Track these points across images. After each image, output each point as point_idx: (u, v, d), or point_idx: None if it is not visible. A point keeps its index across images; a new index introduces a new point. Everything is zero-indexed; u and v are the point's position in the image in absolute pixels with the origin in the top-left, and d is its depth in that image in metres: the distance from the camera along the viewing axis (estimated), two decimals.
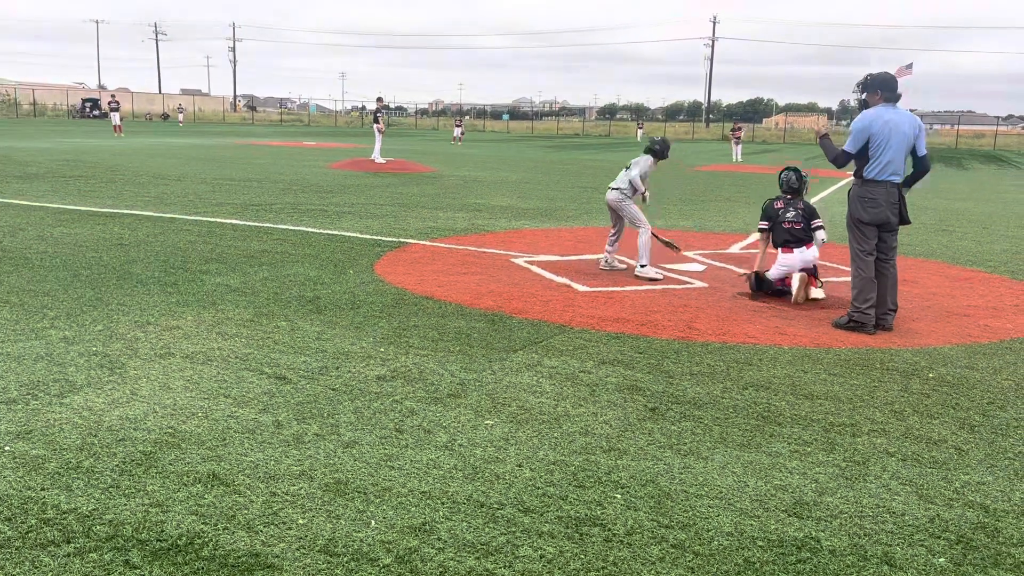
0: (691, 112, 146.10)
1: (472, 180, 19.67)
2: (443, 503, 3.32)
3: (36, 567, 2.78)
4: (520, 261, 8.77)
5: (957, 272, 9.18)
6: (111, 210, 11.85)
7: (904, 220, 6.40)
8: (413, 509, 3.26)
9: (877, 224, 6.30)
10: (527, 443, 3.95)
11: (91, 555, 2.86)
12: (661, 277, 8.09)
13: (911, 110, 6.57)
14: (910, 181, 6.51)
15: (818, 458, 3.91)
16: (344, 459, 3.69)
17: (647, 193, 8.41)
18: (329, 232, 10.35)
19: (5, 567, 2.77)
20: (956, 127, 79.69)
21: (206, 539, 2.98)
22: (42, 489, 3.31)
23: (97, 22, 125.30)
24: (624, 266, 8.54)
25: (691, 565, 2.95)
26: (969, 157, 47.20)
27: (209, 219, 11.16)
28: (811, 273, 7.34)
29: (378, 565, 2.87)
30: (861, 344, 5.97)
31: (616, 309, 6.73)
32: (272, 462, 3.63)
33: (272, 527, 3.08)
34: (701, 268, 8.79)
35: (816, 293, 7.31)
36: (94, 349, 5.16)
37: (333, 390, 4.57)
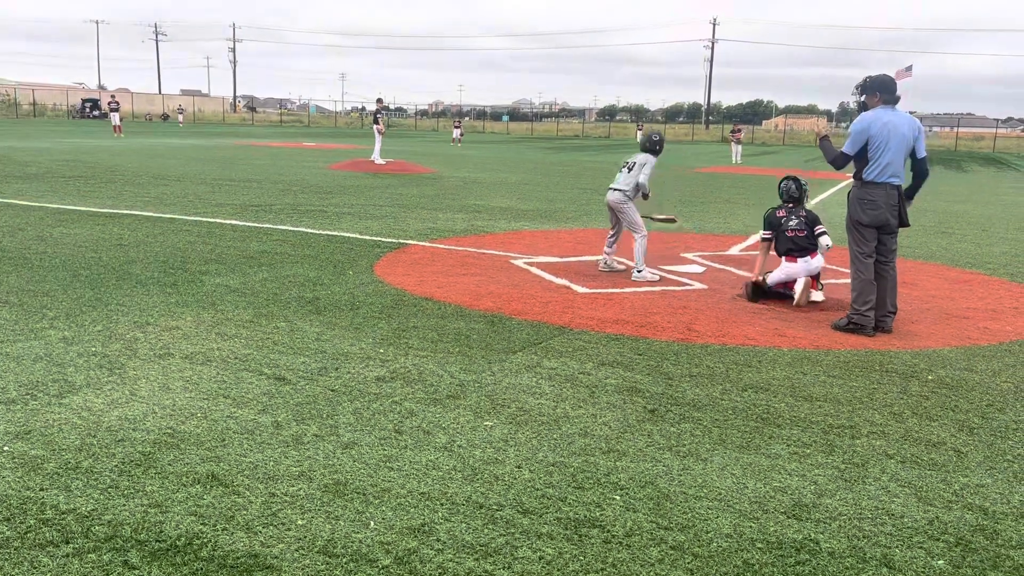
0: (691, 114, 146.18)
1: (472, 181, 19.67)
2: (442, 504, 3.32)
3: (35, 567, 2.78)
4: (519, 262, 8.77)
5: (956, 274, 9.19)
6: (111, 210, 11.85)
7: (903, 222, 6.40)
8: (412, 510, 3.26)
9: (877, 226, 6.30)
10: (526, 444, 3.95)
11: (90, 555, 2.86)
12: (658, 278, 8.09)
13: (911, 112, 6.58)
14: (912, 191, 6.51)
15: (817, 460, 3.91)
16: (343, 460, 3.69)
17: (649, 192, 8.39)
18: (329, 233, 10.35)
19: (4, 567, 2.77)
20: (955, 129, 79.74)
21: (205, 540, 2.98)
22: (41, 489, 3.31)
23: (97, 22, 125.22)
24: (623, 267, 8.54)
25: (690, 567, 2.95)
26: (968, 159, 47.23)
27: (209, 220, 11.16)
28: (812, 276, 7.33)
29: (377, 566, 2.87)
30: (860, 346, 5.97)
31: (615, 311, 6.73)
32: (271, 463, 3.63)
33: (271, 528, 3.08)
34: (700, 270, 8.79)
35: (815, 295, 7.31)
36: (93, 349, 5.16)
37: (332, 391, 4.57)
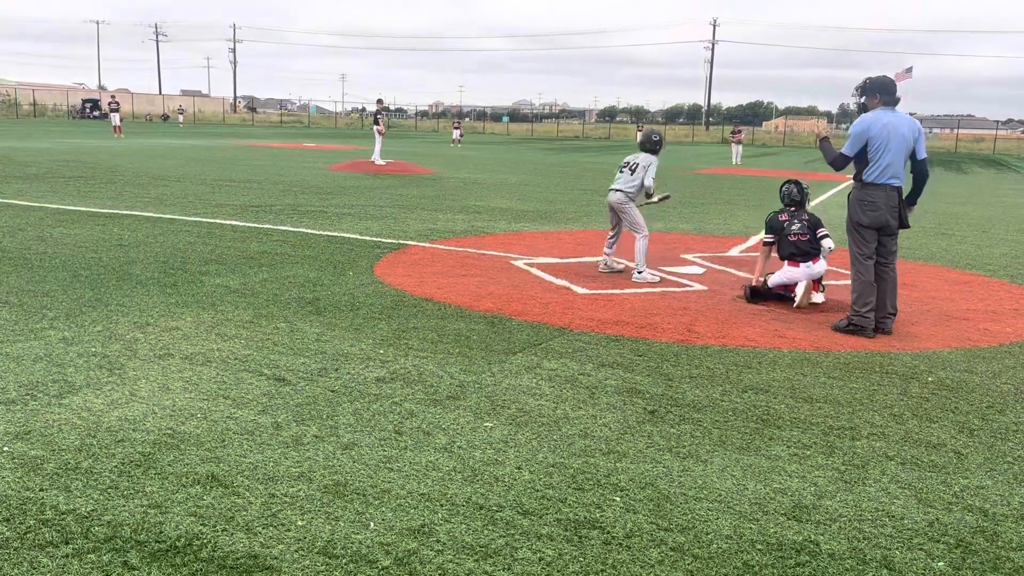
0: (691, 115, 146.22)
1: (472, 182, 19.67)
2: (442, 505, 3.32)
3: (34, 568, 2.77)
4: (520, 263, 8.77)
5: (956, 276, 9.19)
6: (111, 211, 11.85)
7: (904, 224, 6.40)
8: (412, 511, 3.26)
9: (877, 228, 6.30)
10: (526, 445, 3.95)
11: (89, 556, 2.85)
12: (659, 279, 8.09)
13: (910, 114, 6.58)
14: (914, 196, 6.51)
15: (817, 461, 3.91)
16: (343, 461, 3.69)
17: (655, 194, 8.40)
18: (329, 234, 10.35)
19: (4, 568, 2.77)
20: (956, 131, 79.75)
21: (205, 540, 2.98)
22: (41, 490, 3.31)
23: (97, 23, 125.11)
24: (622, 267, 8.54)
25: (690, 568, 2.95)
26: (968, 161, 47.24)
27: (209, 220, 11.16)
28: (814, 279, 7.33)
29: (377, 567, 2.86)
30: (860, 347, 5.97)
31: (616, 312, 6.73)
32: (271, 463, 3.63)
33: (271, 528, 3.08)
34: (701, 271, 8.80)
35: (816, 297, 7.30)
36: (93, 350, 5.15)
37: (332, 392, 4.57)
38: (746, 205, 16.68)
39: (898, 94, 6.35)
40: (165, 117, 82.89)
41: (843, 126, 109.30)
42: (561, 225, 12.32)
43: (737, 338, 6.07)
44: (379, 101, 26.51)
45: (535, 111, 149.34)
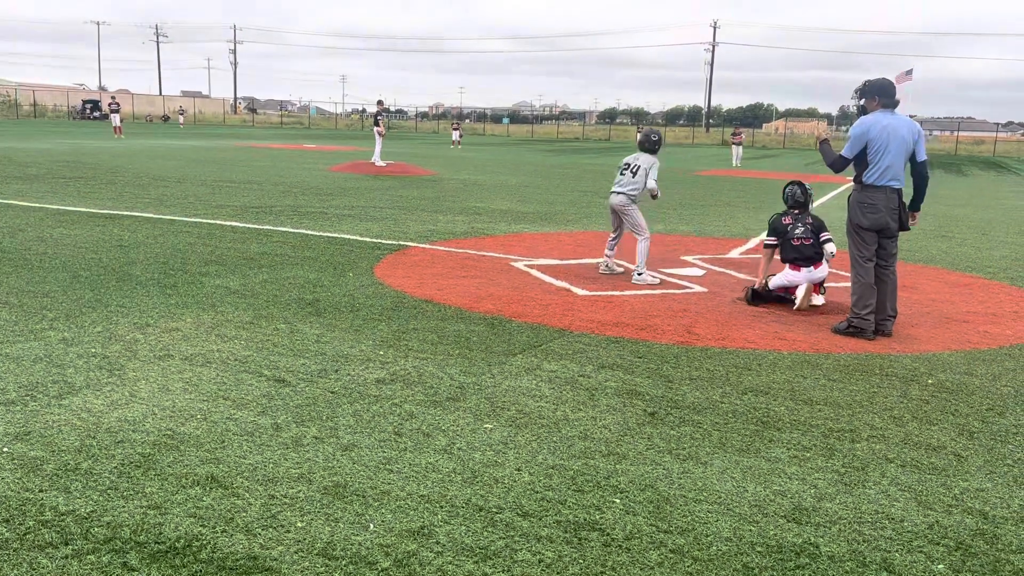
0: (691, 117, 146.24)
1: (472, 184, 19.68)
2: (442, 507, 3.32)
3: (34, 569, 2.77)
4: (520, 265, 8.77)
5: (956, 278, 9.19)
6: (111, 211, 11.85)
7: (904, 227, 6.40)
8: (412, 512, 3.26)
9: (877, 230, 6.30)
10: (526, 447, 3.95)
11: (89, 557, 2.85)
12: (659, 281, 8.09)
13: (910, 116, 6.58)
14: (916, 201, 6.51)
15: (817, 464, 3.91)
16: (343, 462, 3.68)
17: (659, 193, 8.40)
18: (329, 235, 10.35)
19: (3, 569, 2.77)
20: (956, 133, 79.78)
21: (204, 541, 2.98)
22: (40, 491, 3.31)
23: (98, 23, 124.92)
24: (622, 270, 8.54)
25: (690, 570, 2.94)
26: (969, 163, 47.26)
27: (209, 221, 11.17)
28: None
29: (376, 568, 2.86)
30: (860, 350, 5.97)
31: (616, 313, 6.73)
32: (271, 465, 3.63)
33: (271, 530, 3.08)
34: (701, 273, 8.80)
35: (816, 299, 7.30)
36: (93, 351, 5.15)
37: (332, 393, 4.57)
38: (746, 207, 16.68)
39: (898, 96, 6.35)
40: (165, 118, 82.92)
41: (843, 128, 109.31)
42: (561, 227, 12.32)
43: (737, 340, 6.07)
44: (379, 102, 26.52)
45: (535, 113, 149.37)
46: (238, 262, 8.25)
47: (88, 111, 76.30)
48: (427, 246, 9.85)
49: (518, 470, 3.69)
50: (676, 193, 18.96)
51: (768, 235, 7.54)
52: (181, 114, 71.61)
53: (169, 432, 3.94)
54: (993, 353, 6.03)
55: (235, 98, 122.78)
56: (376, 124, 25.60)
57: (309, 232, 10.51)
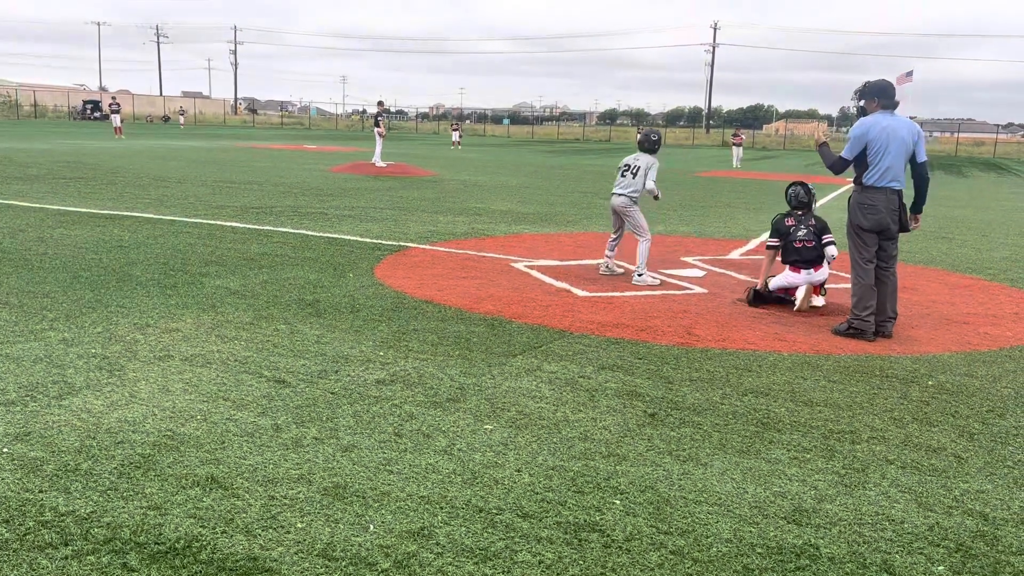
0: (691, 118, 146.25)
1: (472, 184, 19.68)
2: (442, 508, 3.32)
3: (34, 569, 2.77)
4: (520, 266, 8.77)
5: (956, 280, 9.19)
6: (111, 212, 11.85)
7: (904, 228, 6.40)
8: (412, 514, 3.26)
9: (877, 231, 6.30)
10: (526, 448, 3.95)
11: (89, 558, 2.85)
12: (659, 282, 8.09)
13: (911, 117, 6.58)
14: (918, 204, 6.51)
15: (817, 465, 3.91)
16: (343, 463, 3.68)
17: (660, 193, 8.40)
18: (329, 235, 10.35)
19: (3, 569, 2.77)
20: (956, 135, 79.80)
21: (204, 542, 2.98)
22: (40, 491, 3.31)
23: (99, 24, 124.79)
24: (623, 271, 8.54)
25: (690, 572, 2.94)
26: (969, 165, 47.26)
27: (209, 222, 11.17)
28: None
29: (376, 569, 2.86)
30: (861, 351, 5.97)
31: (616, 314, 6.73)
32: (271, 465, 3.63)
33: (270, 531, 3.08)
34: (701, 274, 8.80)
35: (816, 300, 7.30)
36: (93, 351, 5.15)
37: (332, 394, 4.57)
38: (746, 208, 16.69)
39: (898, 97, 6.36)
40: (166, 118, 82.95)
41: (843, 129, 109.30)
42: (561, 227, 12.32)
43: (737, 341, 6.07)
44: (380, 103, 26.52)
45: (536, 113, 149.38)
46: (238, 263, 8.25)
47: (89, 111, 76.33)
48: (427, 247, 9.85)
49: (518, 471, 3.69)
50: (676, 194, 18.96)
51: (771, 236, 7.53)
52: (182, 115, 71.65)
53: (169, 433, 3.94)
54: (993, 355, 6.02)
55: (235, 99, 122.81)
56: (377, 125, 25.60)
57: (309, 233, 10.52)
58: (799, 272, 7.18)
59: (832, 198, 19.43)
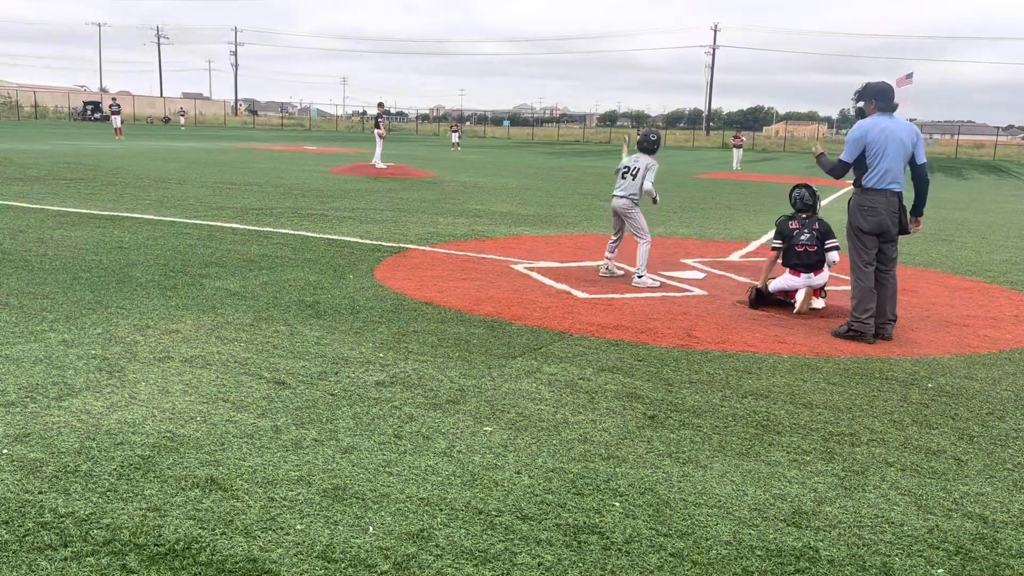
0: (691, 120, 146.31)
1: (472, 186, 19.69)
2: (441, 510, 3.31)
3: (33, 571, 2.77)
4: (520, 267, 8.78)
5: (956, 282, 9.19)
6: (111, 213, 11.85)
7: (904, 230, 6.41)
8: (411, 515, 3.26)
9: (877, 233, 6.30)
10: (526, 450, 3.95)
11: (88, 559, 2.85)
12: (659, 284, 8.09)
13: (911, 120, 6.58)
14: (919, 206, 6.51)
15: (817, 467, 3.91)
16: (343, 464, 3.68)
17: (657, 196, 8.40)
18: (329, 237, 10.35)
19: (3, 570, 2.77)
20: (956, 137, 79.84)
21: (204, 544, 2.98)
22: (40, 493, 3.31)
23: (99, 25, 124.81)
24: (623, 273, 8.54)
25: (689, 574, 2.94)
26: (969, 167, 47.28)
27: (209, 223, 11.17)
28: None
29: (376, 571, 2.86)
30: (860, 353, 5.97)
31: (616, 316, 6.73)
32: (270, 467, 3.63)
33: (270, 532, 3.08)
34: (701, 276, 8.80)
35: (816, 302, 7.30)
36: (93, 352, 5.15)
37: (332, 395, 4.57)
38: (746, 210, 16.69)
39: (898, 100, 6.36)
40: (166, 119, 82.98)
41: (843, 132, 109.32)
42: (561, 229, 12.32)
43: (737, 343, 6.07)
44: (380, 105, 26.52)
45: (536, 115, 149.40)
46: (238, 264, 8.25)
47: (89, 112, 76.36)
48: (427, 248, 9.85)
49: (518, 473, 3.69)
50: (676, 196, 18.97)
51: (775, 237, 7.52)
52: (182, 116, 71.67)
53: (169, 434, 3.93)
54: (993, 357, 6.02)
55: (236, 100, 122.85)
56: (377, 126, 25.61)
57: (309, 234, 10.52)
58: (799, 276, 7.18)
59: (833, 199, 19.43)
